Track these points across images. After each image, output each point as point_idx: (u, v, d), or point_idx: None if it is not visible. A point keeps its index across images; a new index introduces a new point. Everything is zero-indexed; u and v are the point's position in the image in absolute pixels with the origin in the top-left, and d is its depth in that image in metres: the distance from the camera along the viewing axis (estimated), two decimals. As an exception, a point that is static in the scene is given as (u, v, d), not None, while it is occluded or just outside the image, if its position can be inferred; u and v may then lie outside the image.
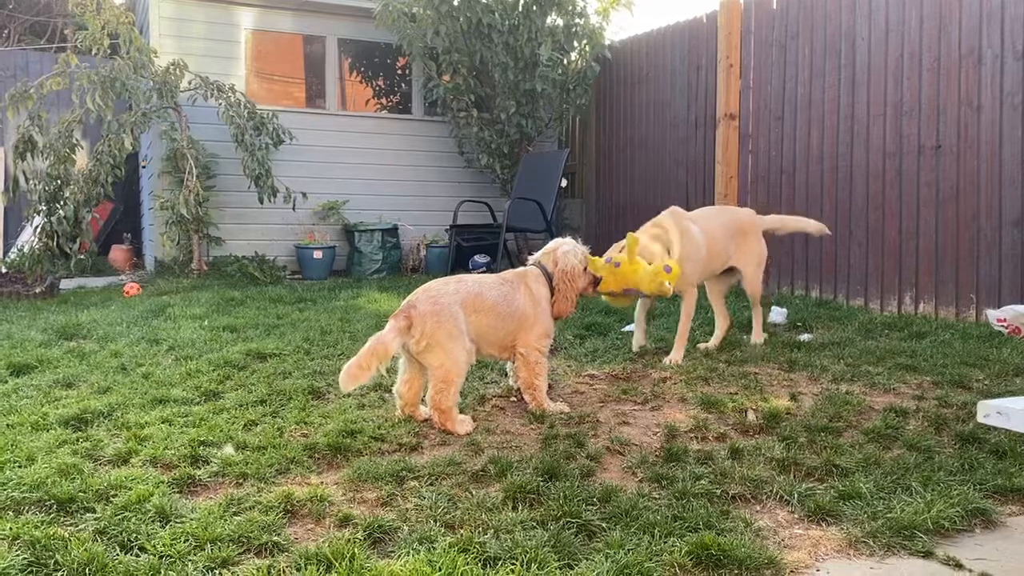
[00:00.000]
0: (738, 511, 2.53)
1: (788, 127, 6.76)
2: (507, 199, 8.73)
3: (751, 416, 3.36)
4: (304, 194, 8.26)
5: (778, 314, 5.49)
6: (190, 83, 7.94)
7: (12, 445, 2.99)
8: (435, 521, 2.40)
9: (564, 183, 8.72)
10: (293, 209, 8.25)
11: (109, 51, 7.87)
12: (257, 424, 3.30)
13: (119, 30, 7.71)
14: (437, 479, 2.72)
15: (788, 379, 3.95)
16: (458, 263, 8.83)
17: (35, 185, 7.61)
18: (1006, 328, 4.85)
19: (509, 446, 3.04)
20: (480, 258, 8.82)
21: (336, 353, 4.48)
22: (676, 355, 4.33)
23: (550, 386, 3.85)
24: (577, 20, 8.81)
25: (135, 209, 11.39)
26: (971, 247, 5.38)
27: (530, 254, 9.10)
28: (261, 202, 7.98)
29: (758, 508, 2.60)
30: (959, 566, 2.23)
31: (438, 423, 3.22)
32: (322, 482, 2.72)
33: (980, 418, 1.87)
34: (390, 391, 3.77)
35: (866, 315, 5.62)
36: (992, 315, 5.01)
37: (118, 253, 10.54)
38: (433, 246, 9.17)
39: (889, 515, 2.45)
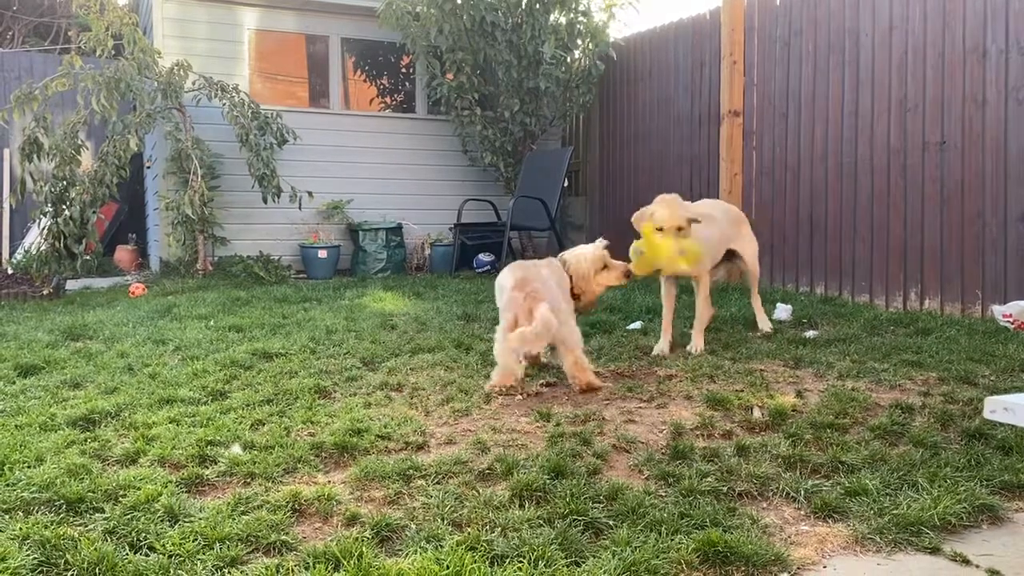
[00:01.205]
0: (745, 508, 2.54)
1: (792, 123, 6.75)
2: (511, 197, 8.73)
3: (757, 413, 3.36)
4: (310, 193, 8.27)
5: (783, 311, 5.48)
6: (194, 83, 7.96)
7: (21, 446, 3.00)
8: (442, 519, 2.41)
9: (566, 183, 8.71)
10: (299, 208, 8.26)
11: (113, 52, 7.89)
12: (264, 423, 3.31)
13: (123, 31, 7.73)
14: (444, 478, 2.73)
15: (794, 376, 3.95)
16: (462, 262, 8.84)
17: (41, 186, 7.64)
18: (1012, 324, 4.84)
19: (515, 444, 3.04)
20: (484, 256, 8.83)
21: (342, 352, 4.50)
22: (698, 342, 4.53)
23: (556, 383, 3.87)
24: (580, 18, 8.82)
25: (140, 209, 11.41)
26: (976, 243, 5.37)
27: (534, 252, 9.09)
28: (265, 202, 8.00)
29: (764, 505, 2.60)
30: (966, 562, 2.23)
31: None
32: (329, 481, 2.73)
33: (986, 414, 1.87)
34: (396, 390, 3.80)
35: (871, 311, 5.61)
36: (998, 311, 5.00)
37: (123, 254, 10.57)
38: (437, 245, 9.18)
39: (896, 511, 2.45)
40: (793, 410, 3.39)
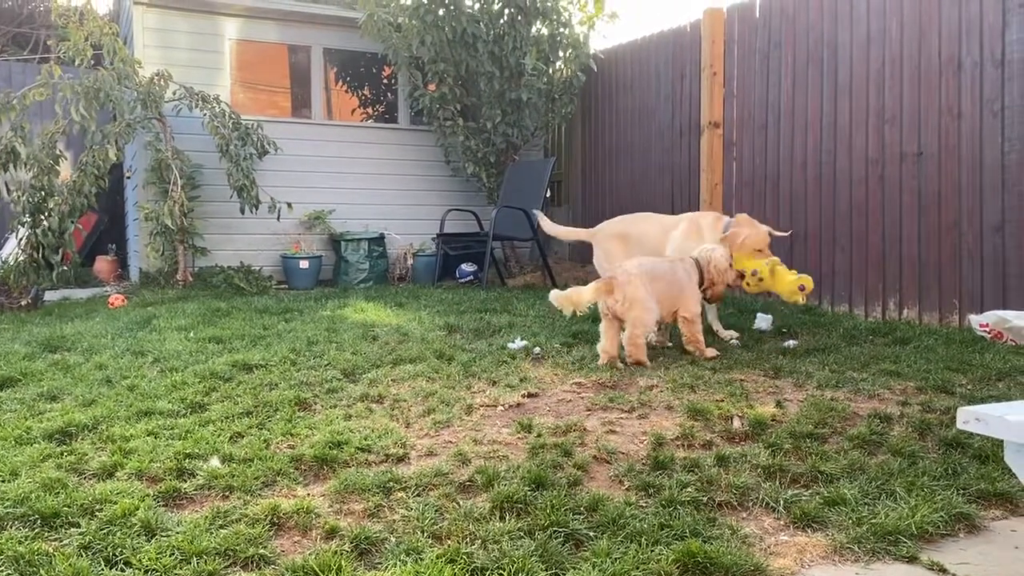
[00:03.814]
0: (724, 518, 2.55)
1: (772, 135, 6.81)
2: (494, 207, 8.74)
3: (737, 423, 3.38)
4: (289, 204, 8.24)
5: (763, 321, 5.51)
6: (175, 93, 7.92)
7: (-5, 460, 2.97)
8: (422, 532, 2.40)
9: (548, 193, 8.74)
10: (278, 219, 8.23)
11: (93, 62, 7.84)
12: (243, 436, 3.29)
13: (103, 41, 7.68)
14: (424, 490, 2.72)
15: (774, 386, 3.97)
16: (445, 272, 8.83)
17: (18, 196, 7.56)
18: (988, 333, 4.89)
19: (496, 456, 3.04)
20: (467, 266, 8.83)
21: (323, 363, 4.47)
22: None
23: (538, 393, 3.88)
24: (562, 29, 8.86)
25: (120, 220, 11.33)
26: (953, 253, 5.43)
27: (517, 263, 9.08)
28: (243, 212, 7.95)
29: (744, 515, 2.61)
30: (943, 571, 2.25)
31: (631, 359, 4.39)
32: (308, 494, 2.71)
33: (960, 424, 1.89)
34: (377, 401, 3.78)
35: (851, 321, 5.65)
36: (975, 320, 5.05)
37: (103, 264, 10.48)
38: (420, 255, 9.17)
39: (874, 521, 2.47)
40: (773, 420, 3.41)
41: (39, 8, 13.92)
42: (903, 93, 5.73)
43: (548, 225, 6.13)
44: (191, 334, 5.31)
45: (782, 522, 2.56)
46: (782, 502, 2.64)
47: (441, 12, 8.40)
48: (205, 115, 7.86)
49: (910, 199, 5.70)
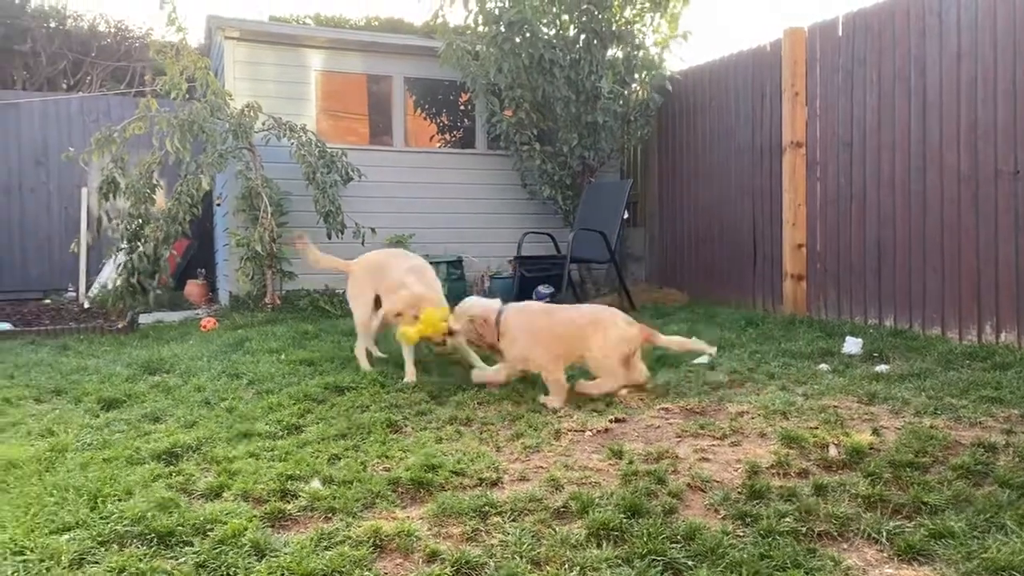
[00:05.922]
0: (825, 549, 2.50)
1: (857, 153, 6.67)
2: (570, 230, 8.77)
3: (833, 451, 3.31)
4: (373, 229, 8.43)
5: (853, 344, 5.39)
6: (263, 124, 8.21)
7: (111, 479, 3.11)
8: (520, 557, 2.43)
9: (626, 214, 8.72)
10: (363, 244, 8.41)
11: (187, 95, 8.20)
12: (340, 458, 3.37)
13: (196, 75, 8.03)
14: (519, 515, 2.75)
15: (868, 413, 3.87)
16: (522, 293, 8.88)
17: (117, 224, 7.93)
18: (1096, 358, 4.68)
19: (588, 482, 3.05)
20: (544, 288, 8.85)
21: (410, 386, 4.55)
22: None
23: (625, 419, 3.87)
24: (637, 52, 8.88)
25: (208, 244, 11.75)
26: (1055, 274, 5.21)
27: (593, 284, 9.15)
28: (329, 237, 8.17)
29: (845, 546, 2.56)
30: (1063, 610, 2.17)
31: None
32: (408, 516, 2.77)
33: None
34: (465, 424, 3.84)
35: (944, 345, 5.47)
36: (1080, 344, 4.84)
37: (193, 288, 10.87)
38: (497, 277, 9.25)
39: (984, 555, 2.39)
40: (870, 448, 3.33)
41: (135, 45, 14.63)
42: (997, 110, 5.55)
43: (313, 256, 5.95)
44: (282, 356, 5.48)
45: (886, 554, 2.49)
46: (885, 533, 2.58)
47: (518, 39, 8.52)
48: (292, 144, 8.13)
49: (1006, 219, 5.50)
